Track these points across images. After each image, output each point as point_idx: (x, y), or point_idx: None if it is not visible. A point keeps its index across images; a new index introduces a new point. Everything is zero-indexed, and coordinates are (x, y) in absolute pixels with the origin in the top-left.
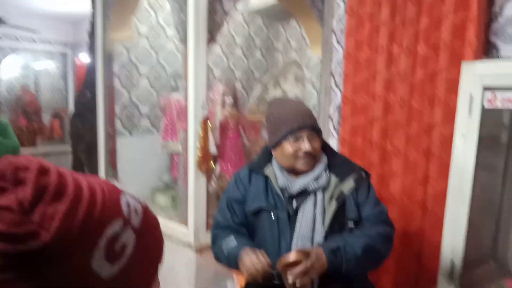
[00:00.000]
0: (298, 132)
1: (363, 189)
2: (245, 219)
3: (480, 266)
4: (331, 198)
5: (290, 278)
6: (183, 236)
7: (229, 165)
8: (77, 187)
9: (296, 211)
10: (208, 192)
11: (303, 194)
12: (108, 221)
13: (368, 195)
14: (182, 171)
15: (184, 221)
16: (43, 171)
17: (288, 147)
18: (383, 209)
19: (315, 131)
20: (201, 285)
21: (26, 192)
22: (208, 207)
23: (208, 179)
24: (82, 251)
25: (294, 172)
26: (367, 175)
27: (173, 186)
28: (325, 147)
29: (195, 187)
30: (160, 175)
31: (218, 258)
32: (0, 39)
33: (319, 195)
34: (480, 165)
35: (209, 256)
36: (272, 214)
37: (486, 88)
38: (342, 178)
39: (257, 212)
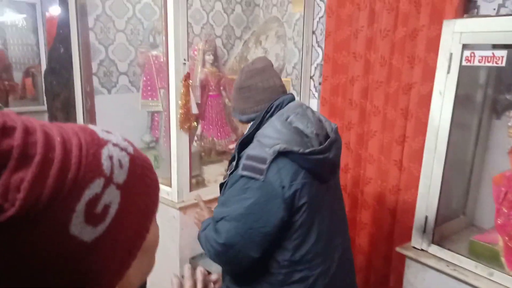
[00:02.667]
0: None
1: (229, 183)
2: None
3: (450, 221)
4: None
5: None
6: (166, 195)
7: (210, 125)
8: (48, 146)
9: None
10: (190, 152)
11: None
12: (85, 183)
13: (224, 191)
14: (163, 130)
15: (167, 182)
16: (5, 132)
17: None
18: (223, 213)
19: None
20: (185, 241)
21: None
22: (191, 167)
23: (191, 138)
24: (55, 219)
25: None
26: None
27: (154, 146)
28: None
29: (178, 146)
30: (141, 135)
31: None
32: None
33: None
34: (456, 124)
35: (193, 214)
36: None
37: (465, 46)
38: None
39: None
